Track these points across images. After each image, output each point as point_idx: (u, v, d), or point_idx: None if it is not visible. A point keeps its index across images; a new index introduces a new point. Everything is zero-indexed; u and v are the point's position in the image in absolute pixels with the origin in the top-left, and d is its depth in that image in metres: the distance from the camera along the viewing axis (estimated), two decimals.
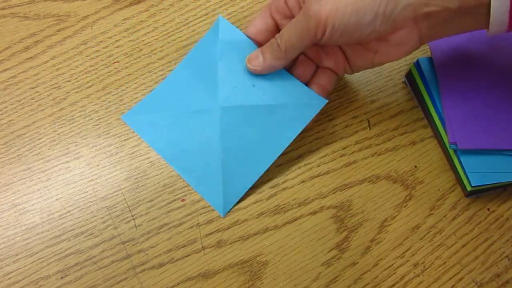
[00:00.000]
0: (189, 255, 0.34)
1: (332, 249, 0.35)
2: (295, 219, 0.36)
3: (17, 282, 0.32)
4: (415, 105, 0.41)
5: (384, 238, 0.36)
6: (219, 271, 0.34)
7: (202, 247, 0.34)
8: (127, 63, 0.40)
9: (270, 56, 0.34)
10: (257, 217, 0.35)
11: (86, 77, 0.39)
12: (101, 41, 0.41)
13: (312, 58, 0.37)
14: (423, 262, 0.35)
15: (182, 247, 0.34)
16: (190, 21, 0.43)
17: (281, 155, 0.35)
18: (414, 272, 0.35)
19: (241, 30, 0.37)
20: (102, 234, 0.34)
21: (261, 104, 0.35)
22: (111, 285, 0.32)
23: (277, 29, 0.36)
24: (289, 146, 0.35)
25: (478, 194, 0.37)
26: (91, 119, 0.38)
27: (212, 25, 0.38)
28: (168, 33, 0.42)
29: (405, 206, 0.37)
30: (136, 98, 0.39)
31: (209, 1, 0.44)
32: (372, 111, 0.40)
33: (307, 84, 0.36)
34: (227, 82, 0.35)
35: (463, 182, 0.37)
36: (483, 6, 0.28)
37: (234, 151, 0.35)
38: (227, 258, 0.34)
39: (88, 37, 0.41)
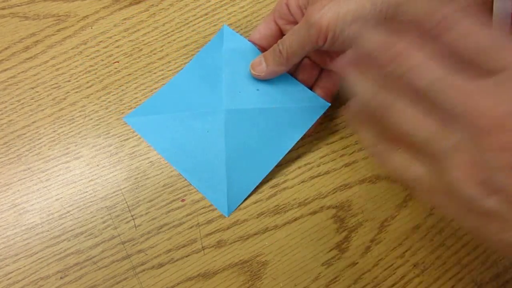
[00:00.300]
0: (189, 255, 0.34)
1: (332, 249, 0.35)
2: (295, 219, 0.36)
3: (17, 282, 0.32)
4: None
5: (384, 238, 0.36)
6: (219, 271, 0.34)
7: (202, 247, 0.34)
8: (127, 63, 0.40)
9: (273, 62, 0.34)
10: (257, 217, 0.35)
11: (86, 77, 0.39)
12: (101, 41, 0.41)
13: (316, 61, 0.37)
14: (423, 262, 0.35)
15: (182, 247, 0.34)
16: (190, 21, 0.43)
17: None
18: (414, 272, 0.35)
19: (242, 33, 0.37)
20: (102, 234, 0.34)
21: (265, 107, 0.35)
22: (111, 285, 0.32)
23: (281, 34, 0.36)
24: None
25: None
26: (91, 119, 0.38)
27: (216, 33, 0.39)
28: (168, 33, 0.42)
29: (405, 206, 0.37)
30: (136, 98, 0.39)
31: (209, 1, 0.44)
32: None
33: (311, 87, 0.37)
34: (232, 86, 0.36)
35: None
36: None
37: (238, 153, 0.35)
38: (227, 258, 0.34)
39: (88, 37, 0.41)
